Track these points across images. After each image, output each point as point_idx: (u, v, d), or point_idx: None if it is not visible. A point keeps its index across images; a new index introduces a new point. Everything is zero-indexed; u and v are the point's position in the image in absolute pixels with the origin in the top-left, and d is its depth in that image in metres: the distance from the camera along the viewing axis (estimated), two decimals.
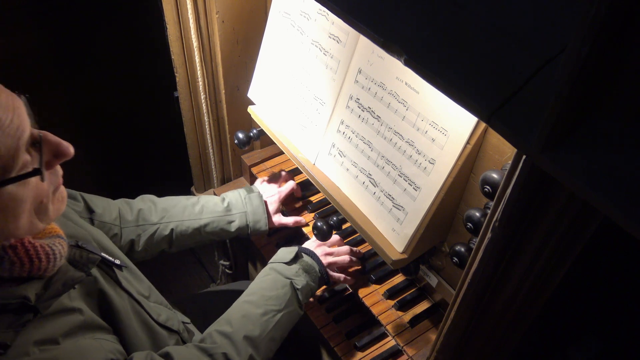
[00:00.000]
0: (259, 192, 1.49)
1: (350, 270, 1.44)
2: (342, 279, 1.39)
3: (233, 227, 1.43)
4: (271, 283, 1.24)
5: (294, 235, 1.63)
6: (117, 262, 1.02)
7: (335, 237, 1.44)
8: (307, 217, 1.59)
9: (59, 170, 0.85)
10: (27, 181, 0.75)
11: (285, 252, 1.33)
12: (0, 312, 0.74)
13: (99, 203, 1.27)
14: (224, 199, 1.46)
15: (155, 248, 1.36)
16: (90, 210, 1.24)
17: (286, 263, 1.29)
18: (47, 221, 0.83)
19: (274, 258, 1.33)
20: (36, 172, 0.75)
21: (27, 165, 0.75)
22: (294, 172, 1.69)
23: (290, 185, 1.56)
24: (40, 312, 0.78)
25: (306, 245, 1.40)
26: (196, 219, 1.39)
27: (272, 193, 1.52)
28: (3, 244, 0.76)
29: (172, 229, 1.36)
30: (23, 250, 0.77)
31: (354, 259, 1.42)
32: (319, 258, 1.34)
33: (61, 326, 0.81)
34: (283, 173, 1.60)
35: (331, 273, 1.36)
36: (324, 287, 1.43)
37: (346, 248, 1.43)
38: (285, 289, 1.23)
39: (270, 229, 1.50)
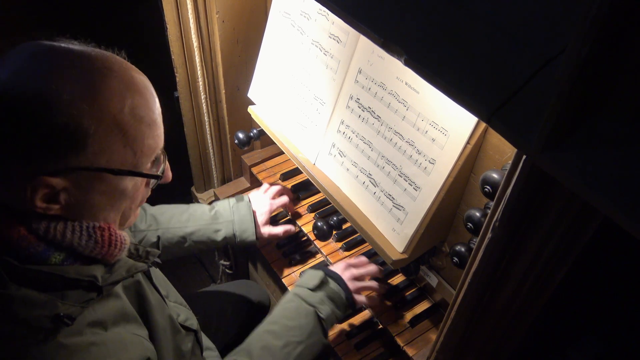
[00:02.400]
0: (247, 201, 1.46)
1: (376, 292, 1.38)
2: (367, 301, 1.32)
3: (219, 237, 1.41)
4: (294, 312, 1.20)
5: (294, 238, 1.62)
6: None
7: (362, 258, 1.38)
8: (307, 217, 1.59)
9: (149, 191, 0.93)
10: (137, 182, 0.84)
11: (311, 277, 1.27)
12: (74, 286, 0.79)
13: None
14: (212, 208, 1.44)
15: None
16: None
17: (311, 289, 1.24)
18: (121, 227, 0.90)
19: (299, 281, 1.28)
20: (158, 177, 0.87)
21: (148, 169, 0.85)
22: (294, 172, 1.70)
23: (283, 199, 1.54)
24: (103, 293, 0.82)
25: (334, 268, 1.32)
26: (182, 227, 1.38)
27: (263, 204, 1.49)
28: (94, 224, 0.82)
29: (158, 237, 1.35)
30: (108, 234, 0.83)
31: (381, 284, 1.36)
32: (345, 284, 1.27)
33: (109, 311, 0.84)
34: (279, 186, 1.57)
35: (357, 297, 1.29)
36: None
37: (374, 269, 1.36)
38: (309, 317, 1.19)
39: (259, 240, 1.47)
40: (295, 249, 1.64)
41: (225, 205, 1.45)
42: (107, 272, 0.85)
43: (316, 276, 1.26)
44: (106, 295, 0.85)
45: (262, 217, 1.47)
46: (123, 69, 0.79)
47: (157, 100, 0.83)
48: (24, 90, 0.71)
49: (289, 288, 1.53)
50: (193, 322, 1.14)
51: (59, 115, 0.70)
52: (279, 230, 1.49)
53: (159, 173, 0.87)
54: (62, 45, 0.77)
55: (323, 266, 1.33)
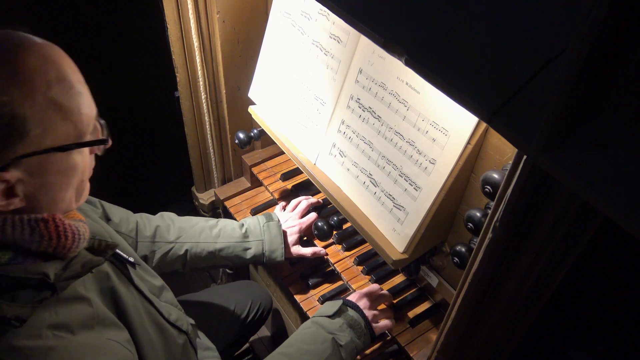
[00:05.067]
0: (278, 221, 1.45)
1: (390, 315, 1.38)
2: (387, 325, 1.33)
3: (248, 255, 1.40)
4: (311, 337, 1.20)
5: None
6: (131, 259, 1.02)
7: (374, 286, 1.39)
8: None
9: (94, 159, 0.90)
10: (84, 153, 0.82)
11: (329, 305, 1.28)
12: (22, 286, 0.76)
13: (117, 213, 1.27)
14: (242, 225, 1.43)
15: (168, 266, 1.35)
16: (107, 218, 1.23)
17: (329, 316, 1.24)
18: (79, 203, 0.87)
19: (317, 312, 1.28)
20: (104, 141, 0.84)
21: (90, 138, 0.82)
22: (295, 172, 1.70)
23: (312, 216, 1.52)
24: (58, 291, 0.79)
25: (350, 298, 1.33)
26: (212, 243, 1.37)
27: (293, 224, 1.48)
28: (36, 217, 0.78)
29: (186, 250, 1.34)
30: (53, 225, 0.79)
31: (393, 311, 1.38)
32: (363, 312, 1.28)
33: (76, 314, 0.81)
34: (305, 202, 1.55)
35: (375, 325, 1.29)
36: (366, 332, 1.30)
37: (387, 295, 1.37)
38: (326, 344, 1.17)
39: (288, 259, 1.47)
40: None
41: (255, 223, 1.43)
42: (63, 269, 0.81)
43: (334, 305, 1.27)
44: (71, 297, 0.82)
45: (292, 238, 1.46)
46: (32, 43, 0.75)
47: (73, 64, 0.80)
48: None
49: (290, 288, 1.53)
50: (183, 324, 1.13)
51: None
52: (307, 251, 1.47)
53: (104, 136, 0.84)
54: None
55: (341, 297, 1.34)
